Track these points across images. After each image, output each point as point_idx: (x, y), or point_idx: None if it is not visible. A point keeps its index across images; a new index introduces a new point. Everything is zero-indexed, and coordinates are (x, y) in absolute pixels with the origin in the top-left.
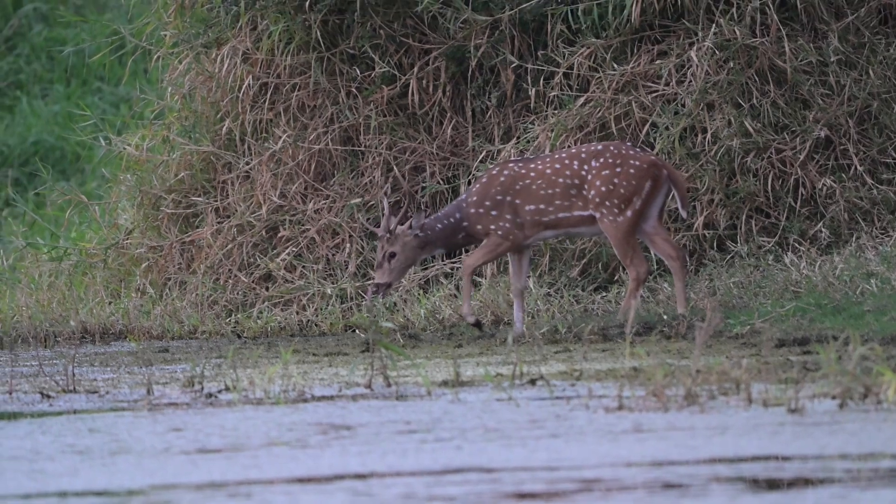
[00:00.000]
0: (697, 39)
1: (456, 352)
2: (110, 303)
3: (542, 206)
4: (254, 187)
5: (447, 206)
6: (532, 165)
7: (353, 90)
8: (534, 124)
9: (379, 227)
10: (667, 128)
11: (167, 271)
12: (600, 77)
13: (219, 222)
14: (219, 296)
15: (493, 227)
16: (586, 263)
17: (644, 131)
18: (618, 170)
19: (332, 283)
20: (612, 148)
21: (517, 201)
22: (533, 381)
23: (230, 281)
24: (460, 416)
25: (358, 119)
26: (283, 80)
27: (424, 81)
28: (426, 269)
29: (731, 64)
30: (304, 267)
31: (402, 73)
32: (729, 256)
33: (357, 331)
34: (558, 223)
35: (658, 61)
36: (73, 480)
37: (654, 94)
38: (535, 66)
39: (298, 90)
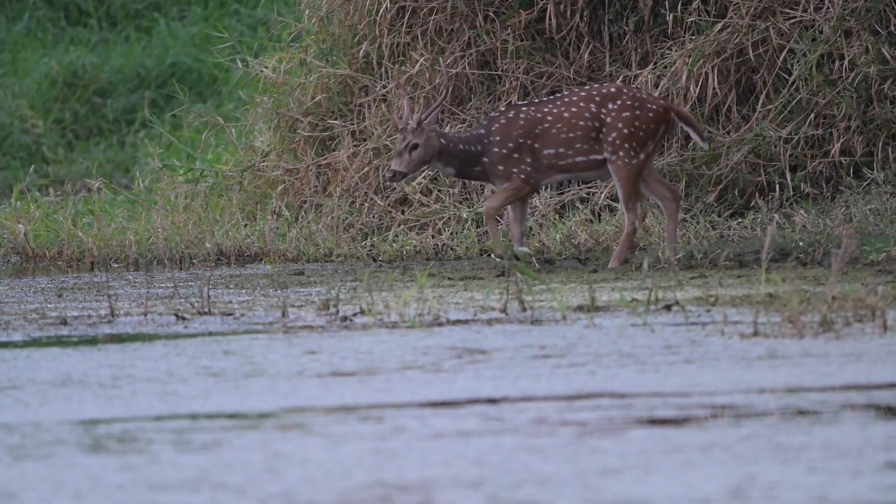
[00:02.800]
0: None
1: (591, 277)
2: (246, 225)
3: (561, 150)
4: (390, 111)
5: (467, 131)
6: (546, 109)
7: (491, 14)
8: (671, 50)
9: (401, 119)
10: (804, 54)
11: (303, 194)
12: (738, 3)
13: (355, 145)
14: (354, 219)
15: (515, 169)
16: (722, 189)
17: (781, 58)
18: (637, 112)
19: (468, 207)
20: (625, 90)
21: (536, 145)
22: (668, 307)
23: (366, 204)
24: (595, 341)
25: (495, 43)
26: (421, 4)
27: (562, 6)
28: (562, 193)
29: None
30: (439, 191)
31: None
32: (865, 183)
33: (492, 255)
34: (573, 167)
35: None
36: (205, 402)
37: (792, 21)
38: None
39: (436, 14)
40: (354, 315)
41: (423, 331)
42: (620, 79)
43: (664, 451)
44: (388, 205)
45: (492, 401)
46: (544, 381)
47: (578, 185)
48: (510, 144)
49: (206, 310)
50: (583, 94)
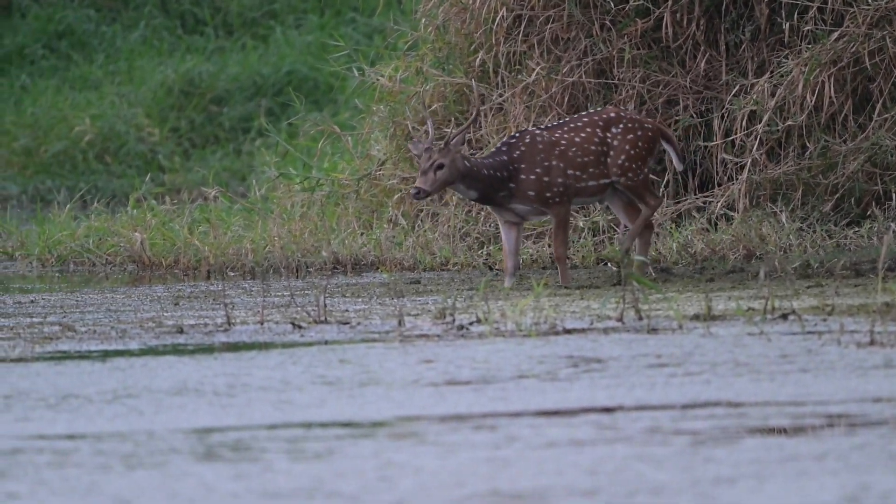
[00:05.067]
0: None
1: (707, 286)
2: (362, 234)
3: (578, 173)
4: (507, 119)
5: (490, 156)
6: (558, 133)
7: (607, 23)
8: (787, 58)
9: (421, 141)
10: None
11: (419, 202)
12: (855, 11)
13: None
14: (471, 228)
15: (548, 193)
16: (839, 198)
17: None
18: (639, 133)
19: (585, 217)
20: (623, 114)
21: (561, 164)
22: (784, 316)
23: (482, 213)
24: (711, 350)
25: (611, 52)
26: (537, 13)
27: (678, 14)
28: (678, 202)
29: None
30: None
31: (655, 5)
32: None
33: (609, 264)
34: (584, 191)
35: None
36: (319, 411)
37: None
38: (790, 0)
39: (552, 22)
40: (470, 324)
41: (539, 339)
42: (736, 88)
43: (778, 460)
44: None
45: (606, 410)
46: (659, 389)
47: (695, 194)
48: (538, 169)
49: (323, 318)
50: (586, 119)
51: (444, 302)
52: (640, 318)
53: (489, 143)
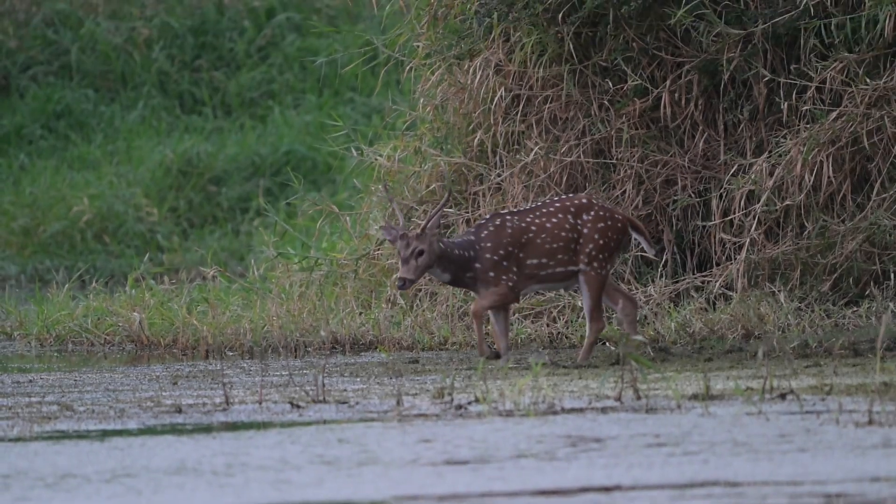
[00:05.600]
0: None
1: (706, 365)
2: (361, 313)
3: (544, 260)
4: (505, 199)
5: (460, 236)
6: (529, 218)
7: (606, 103)
8: (786, 138)
9: (393, 227)
10: None
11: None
12: (853, 91)
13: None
14: (469, 307)
15: (504, 277)
16: (837, 278)
17: None
18: (609, 223)
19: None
20: (594, 201)
21: (521, 254)
22: (783, 396)
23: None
24: (710, 429)
25: (610, 132)
26: (536, 92)
27: (677, 94)
28: (677, 282)
29: None
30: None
31: (654, 85)
32: None
33: (607, 343)
34: (549, 277)
35: None
36: (317, 490)
37: None
38: (788, 80)
39: (550, 102)
40: (469, 403)
41: (537, 419)
42: (735, 168)
43: None
44: None
45: (604, 489)
46: (657, 469)
47: (693, 273)
48: (500, 252)
49: (321, 398)
50: (558, 204)
51: (443, 381)
52: (639, 398)
53: None
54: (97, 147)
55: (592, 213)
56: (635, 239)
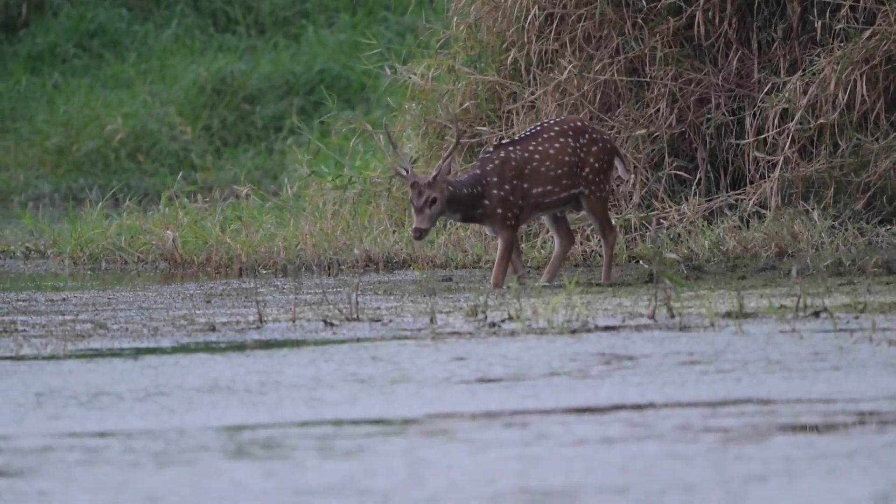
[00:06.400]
0: None
1: (739, 283)
2: (394, 231)
3: (549, 188)
4: (539, 117)
5: (467, 174)
6: (531, 146)
7: (639, 21)
8: (819, 57)
9: (408, 173)
10: None
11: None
12: (887, 10)
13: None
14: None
15: (509, 214)
16: (871, 196)
17: None
18: (601, 145)
19: (617, 214)
20: (587, 123)
21: (525, 185)
22: (816, 314)
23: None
24: (743, 347)
25: (643, 50)
26: (569, 11)
27: (710, 12)
28: (710, 200)
29: None
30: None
31: (688, 3)
32: None
33: (641, 261)
34: (554, 204)
35: None
36: (350, 409)
37: None
38: None
39: (584, 20)
40: (503, 321)
41: (571, 337)
42: (769, 86)
43: (809, 457)
44: None
45: (637, 407)
46: (690, 387)
47: (727, 192)
48: (506, 186)
49: (355, 316)
50: (556, 129)
51: (476, 299)
52: (672, 316)
53: None
54: (131, 66)
55: (587, 135)
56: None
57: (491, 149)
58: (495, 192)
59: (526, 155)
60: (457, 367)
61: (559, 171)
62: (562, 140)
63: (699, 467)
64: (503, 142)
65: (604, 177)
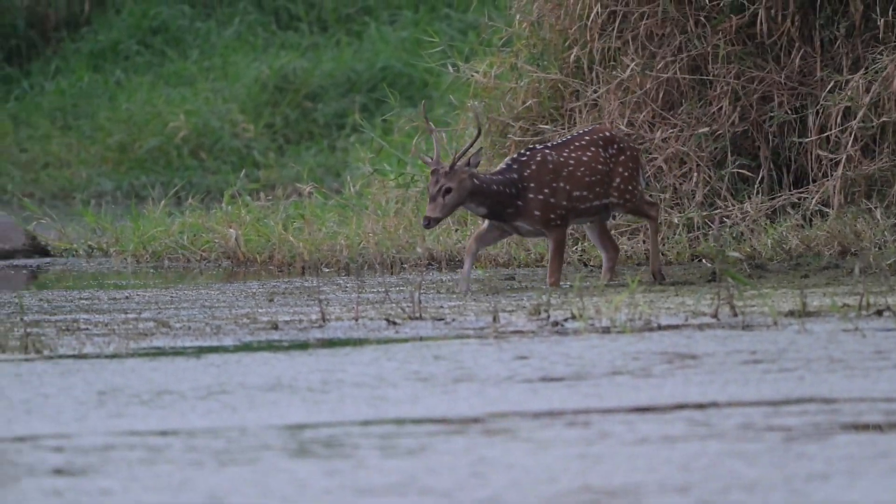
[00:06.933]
0: None
1: (802, 282)
2: (456, 230)
3: (585, 193)
4: (601, 115)
5: (500, 172)
6: (565, 152)
7: (702, 19)
8: (882, 54)
9: (432, 160)
10: None
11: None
12: None
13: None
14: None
15: (552, 215)
16: None
17: None
18: (628, 154)
19: (679, 213)
20: (614, 133)
21: (567, 187)
22: (879, 312)
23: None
24: (805, 346)
25: (706, 48)
26: (632, 8)
27: (773, 10)
28: (773, 198)
29: None
30: (650, 195)
31: (750, 1)
32: None
33: (704, 260)
34: (587, 211)
35: None
36: (412, 407)
37: None
38: None
39: (647, 18)
40: (565, 320)
41: (633, 336)
42: (831, 84)
43: (871, 456)
44: None
45: (699, 406)
46: (753, 386)
47: (789, 190)
48: (546, 190)
49: (417, 314)
50: (585, 138)
51: (539, 298)
52: (735, 315)
53: None
54: (193, 63)
55: (615, 146)
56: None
57: (527, 152)
58: (531, 196)
59: (561, 159)
60: (519, 366)
61: (593, 179)
62: (593, 149)
63: (761, 466)
64: (537, 146)
65: (634, 184)
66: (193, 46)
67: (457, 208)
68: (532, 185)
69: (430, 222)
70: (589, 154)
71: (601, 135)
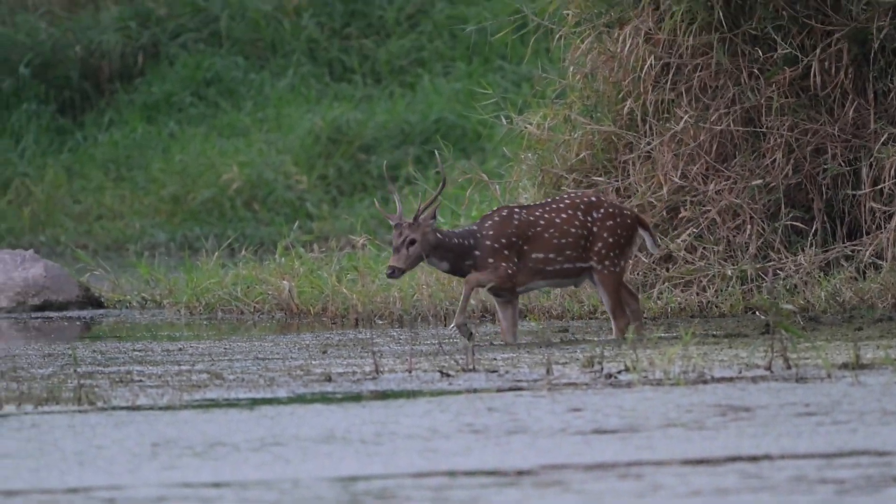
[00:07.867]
0: None
1: (856, 334)
2: None
3: (551, 256)
4: (655, 167)
5: (461, 228)
6: (537, 213)
7: (755, 71)
8: None
9: (394, 215)
10: None
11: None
12: None
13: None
14: None
15: (503, 263)
16: None
17: None
18: (618, 220)
19: (733, 265)
20: (603, 198)
21: (525, 247)
22: None
23: (631, 261)
24: (859, 398)
25: (759, 100)
26: (685, 61)
27: (827, 63)
28: (827, 251)
29: None
30: (704, 248)
31: (804, 54)
32: None
33: (757, 312)
34: (557, 273)
35: None
36: (465, 460)
37: None
38: None
39: (700, 70)
40: (619, 372)
41: (687, 388)
42: (885, 136)
43: None
44: (653, 262)
45: (752, 458)
46: (805, 438)
47: (843, 242)
48: (502, 240)
49: (471, 366)
50: (567, 201)
51: (593, 350)
52: (789, 367)
53: (636, 191)
54: (247, 114)
55: (602, 210)
56: (640, 236)
57: (495, 209)
58: (488, 243)
59: (531, 219)
60: (572, 418)
61: (563, 241)
62: (570, 212)
63: None
64: (509, 204)
65: (619, 252)
66: (247, 98)
67: (420, 260)
68: (490, 233)
69: (394, 271)
70: (564, 216)
71: (585, 199)
